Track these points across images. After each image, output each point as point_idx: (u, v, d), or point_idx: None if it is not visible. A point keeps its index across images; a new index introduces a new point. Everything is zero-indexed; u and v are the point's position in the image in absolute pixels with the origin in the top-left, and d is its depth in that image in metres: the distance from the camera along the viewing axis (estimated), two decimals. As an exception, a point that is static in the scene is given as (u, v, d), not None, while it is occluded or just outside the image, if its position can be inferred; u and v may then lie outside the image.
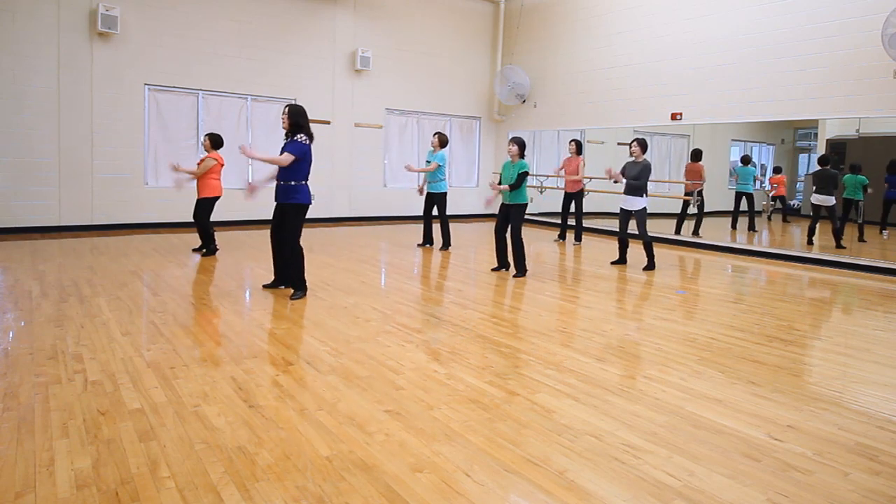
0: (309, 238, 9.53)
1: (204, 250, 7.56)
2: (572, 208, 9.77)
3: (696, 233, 10.28)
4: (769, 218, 11.38)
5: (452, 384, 3.49)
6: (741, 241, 10.20)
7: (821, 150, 10.53)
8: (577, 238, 9.93)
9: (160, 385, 3.32)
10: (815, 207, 9.18)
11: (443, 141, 8.59)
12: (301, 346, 4.12)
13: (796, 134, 12.76)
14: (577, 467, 2.56)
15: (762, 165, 11.64)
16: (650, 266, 7.55)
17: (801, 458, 2.71)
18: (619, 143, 11.91)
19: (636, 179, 7.31)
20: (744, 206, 10.82)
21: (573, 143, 9.64)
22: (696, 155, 10.22)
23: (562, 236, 10.18)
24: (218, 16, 10.19)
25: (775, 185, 11.23)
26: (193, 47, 10.00)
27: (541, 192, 12.28)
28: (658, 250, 9.37)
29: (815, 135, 11.75)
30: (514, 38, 13.13)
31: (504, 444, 2.75)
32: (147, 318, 4.73)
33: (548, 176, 12.46)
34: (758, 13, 9.03)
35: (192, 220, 7.74)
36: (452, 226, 11.71)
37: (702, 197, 10.13)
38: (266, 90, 10.75)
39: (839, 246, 8.93)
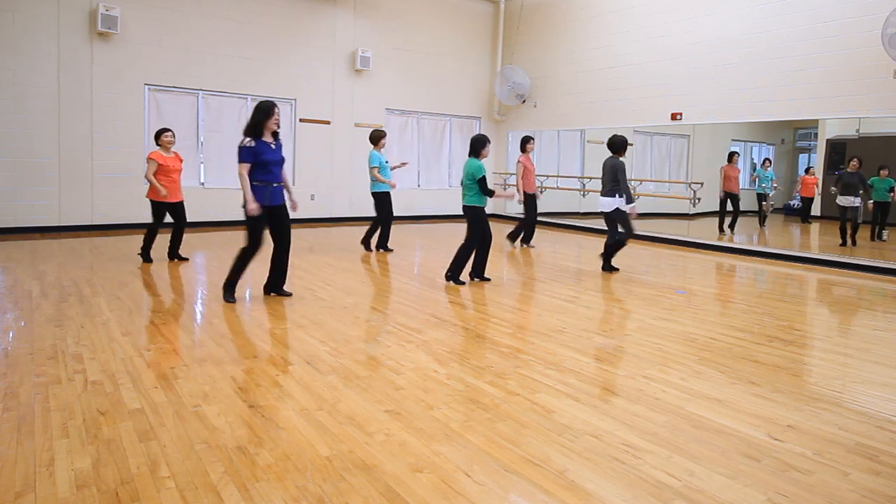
0: (309, 238, 9.53)
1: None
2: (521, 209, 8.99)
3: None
4: (763, 222, 11.45)
5: (452, 384, 3.49)
6: (741, 241, 10.20)
7: (821, 150, 10.56)
8: (528, 240, 9.19)
9: (160, 385, 3.32)
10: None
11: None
12: (301, 346, 4.12)
13: (796, 134, 12.79)
14: (577, 467, 2.56)
15: (764, 160, 11.74)
16: (610, 266, 7.20)
17: (801, 458, 2.71)
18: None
19: (615, 181, 6.81)
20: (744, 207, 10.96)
21: (532, 141, 8.82)
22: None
23: (516, 242, 9.25)
24: (218, 16, 10.19)
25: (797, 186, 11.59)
26: (193, 47, 10.00)
27: (541, 192, 12.28)
28: (658, 250, 9.38)
29: (815, 135, 11.80)
30: (514, 38, 13.12)
31: (504, 444, 2.75)
32: (147, 318, 4.74)
33: (547, 176, 12.50)
34: (758, 13, 9.02)
35: (182, 223, 7.18)
36: (453, 226, 11.74)
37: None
38: (266, 90, 10.75)
39: (843, 244, 9.20)
